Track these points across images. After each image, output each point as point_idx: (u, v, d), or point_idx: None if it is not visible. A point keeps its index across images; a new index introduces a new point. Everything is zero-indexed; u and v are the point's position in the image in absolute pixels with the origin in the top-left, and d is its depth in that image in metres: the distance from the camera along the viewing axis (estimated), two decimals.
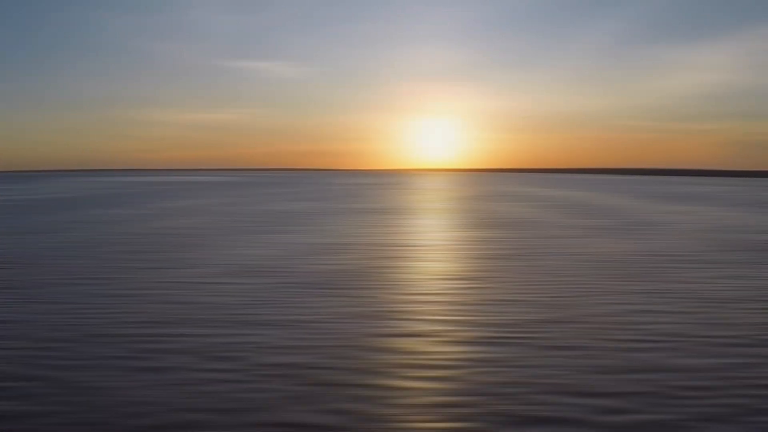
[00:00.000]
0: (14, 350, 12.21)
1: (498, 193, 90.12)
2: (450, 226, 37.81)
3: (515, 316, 14.95)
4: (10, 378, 10.59)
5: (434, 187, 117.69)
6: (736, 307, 16.00)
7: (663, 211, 51.16)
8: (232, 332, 13.49)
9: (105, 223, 39.97)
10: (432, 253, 25.75)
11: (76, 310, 15.67)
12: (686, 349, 12.30)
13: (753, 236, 32.59)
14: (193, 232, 34.14)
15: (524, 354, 11.97)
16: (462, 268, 21.96)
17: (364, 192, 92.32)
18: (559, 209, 53.44)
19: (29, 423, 8.77)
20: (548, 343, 12.72)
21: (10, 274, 20.85)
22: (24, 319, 14.75)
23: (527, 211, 50.58)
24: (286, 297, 17.08)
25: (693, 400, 9.64)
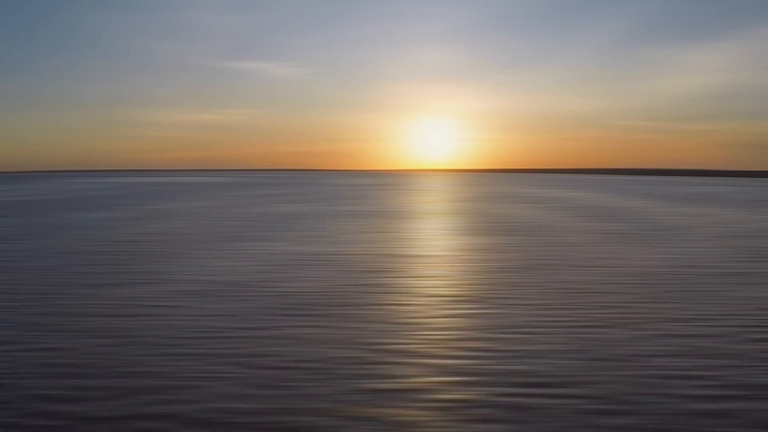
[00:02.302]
0: None
1: (500, 194, 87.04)
2: (454, 231, 34.73)
3: (542, 349, 11.86)
4: None
5: (434, 188, 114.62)
6: None
7: (678, 214, 48.11)
8: (175, 378, 10.38)
9: (82, 228, 36.88)
10: (435, 265, 22.67)
11: None
12: None
13: None
14: (171, 239, 31.05)
15: (565, 412, 8.88)
16: (471, 284, 18.88)
17: (362, 193, 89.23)
18: (568, 211, 50.38)
19: None
20: (593, 395, 9.62)
21: None
22: None
23: (535, 214, 47.50)
24: (256, 325, 13.97)
25: None
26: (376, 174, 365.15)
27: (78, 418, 8.83)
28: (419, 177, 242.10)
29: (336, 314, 14.98)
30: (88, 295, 17.30)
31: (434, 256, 24.69)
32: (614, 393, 9.76)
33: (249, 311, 15.28)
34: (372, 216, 45.35)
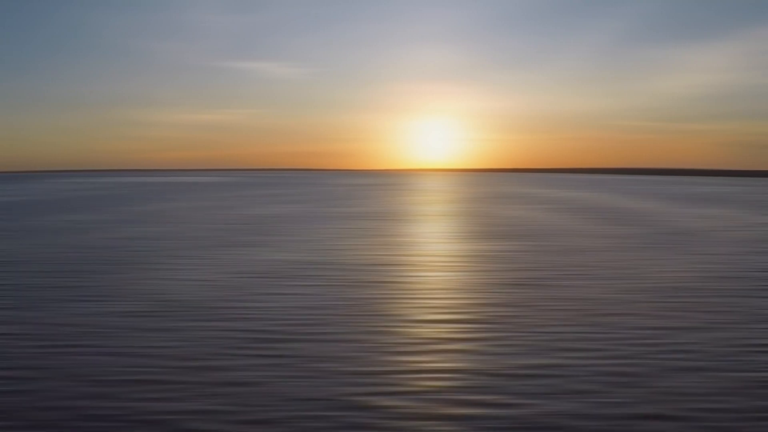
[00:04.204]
0: None
1: (502, 194, 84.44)
2: (457, 236, 32.16)
3: (577, 388, 9.29)
4: None
5: (434, 187, 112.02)
6: None
7: (690, 215, 45.54)
8: None
9: (56, 231, 34.31)
10: (437, 276, 20.10)
11: None
12: None
13: None
14: (147, 244, 28.48)
15: None
16: (480, 301, 16.31)
17: (360, 193, 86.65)
18: (575, 213, 47.80)
19: None
20: None
21: None
22: None
23: (541, 216, 44.92)
24: (212, 359, 11.38)
25: None
26: (377, 174, 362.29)
27: None
28: (419, 177, 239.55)
29: (314, 343, 12.41)
30: (25, 313, 14.73)
31: (435, 265, 22.13)
32: None
33: (208, 340, 12.71)
34: (369, 218, 42.79)
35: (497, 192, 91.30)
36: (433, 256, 24.08)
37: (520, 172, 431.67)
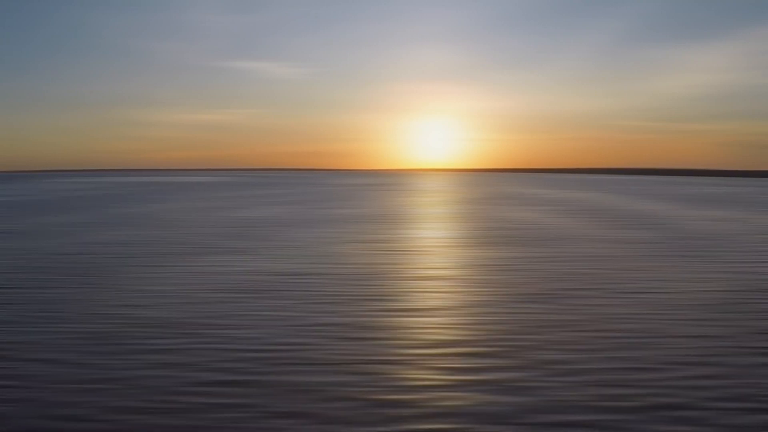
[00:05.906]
0: None
1: (504, 194, 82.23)
2: (457, 242, 30.00)
3: None
4: None
5: (434, 188, 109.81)
6: None
7: (705, 218, 43.37)
8: None
9: (28, 236, 32.13)
10: (434, 290, 17.93)
11: None
12: None
13: None
14: (118, 250, 26.31)
15: None
16: (487, 320, 14.14)
17: (358, 194, 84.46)
18: (581, 215, 45.63)
19: None
20: None
21: None
22: None
23: (546, 219, 42.74)
24: (165, 396, 9.20)
25: None
26: (377, 174, 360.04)
27: None
28: (419, 177, 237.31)
29: (293, 376, 10.24)
30: None
31: (436, 276, 19.98)
32: None
33: (166, 369, 10.52)
34: (367, 221, 40.61)
35: (498, 192, 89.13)
36: (434, 265, 21.94)
37: (520, 172, 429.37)
